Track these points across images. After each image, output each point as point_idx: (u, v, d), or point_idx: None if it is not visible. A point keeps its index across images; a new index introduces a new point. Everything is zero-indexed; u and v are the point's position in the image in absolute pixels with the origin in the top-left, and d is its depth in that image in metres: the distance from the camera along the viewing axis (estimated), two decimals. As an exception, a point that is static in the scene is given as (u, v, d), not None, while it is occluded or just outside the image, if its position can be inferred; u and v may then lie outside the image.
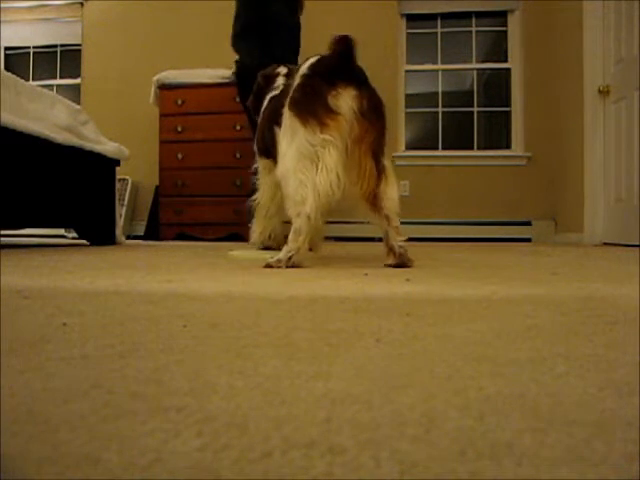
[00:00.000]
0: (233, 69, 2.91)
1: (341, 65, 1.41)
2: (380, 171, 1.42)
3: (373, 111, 1.39)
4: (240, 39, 2.74)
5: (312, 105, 1.36)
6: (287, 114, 1.43)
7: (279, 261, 1.42)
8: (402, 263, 1.47)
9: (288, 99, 1.45)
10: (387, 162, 1.47)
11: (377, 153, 1.42)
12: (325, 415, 0.32)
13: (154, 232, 4.33)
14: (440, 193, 4.55)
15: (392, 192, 1.44)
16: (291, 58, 2.98)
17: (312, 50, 4.99)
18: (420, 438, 0.29)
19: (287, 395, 0.36)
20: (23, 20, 5.30)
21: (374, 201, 1.44)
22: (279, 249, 1.55)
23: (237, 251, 2.07)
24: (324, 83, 1.37)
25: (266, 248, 2.02)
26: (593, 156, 3.78)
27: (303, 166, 1.36)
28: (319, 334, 0.57)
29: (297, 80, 1.46)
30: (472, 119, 4.81)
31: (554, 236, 4.43)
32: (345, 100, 1.36)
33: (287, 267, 1.41)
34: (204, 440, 0.28)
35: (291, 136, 1.41)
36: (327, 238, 4.22)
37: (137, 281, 1.09)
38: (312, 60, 1.49)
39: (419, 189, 4.54)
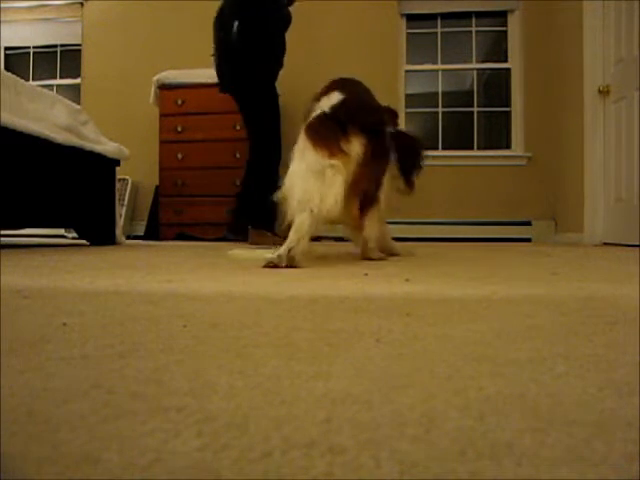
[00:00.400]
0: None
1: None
2: (368, 207, 1.67)
3: (375, 158, 1.57)
4: (229, 17, 2.80)
5: (325, 139, 1.49)
6: (302, 137, 1.54)
7: (279, 257, 1.45)
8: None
9: (306, 124, 1.57)
10: (381, 201, 1.70)
11: (368, 193, 1.64)
12: (325, 415, 0.32)
13: (154, 232, 4.33)
14: (440, 193, 4.55)
15: (372, 223, 1.71)
16: (280, 36, 2.99)
17: (313, 49, 4.98)
18: (420, 438, 0.29)
19: (287, 395, 0.36)
20: (23, 20, 5.30)
21: (358, 227, 1.74)
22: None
23: (237, 250, 2.07)
24: (339, 129, 1.51)
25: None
26: (593, 156, 3.78)
27: (314, 179, 1.46)
28: (319, 334, 0.57)
29: (317, 111, 1.59)
30: (472, 119, 4.81)
31: (554, 236, 4.43)
32: (354, 146, 1.51)
33: (287, 266, 1.43)
34: (204, 440, 0.28)
35: (301, 155, 1.52)
36: (327, 238, 4.22)
37: (137, 281, 1.09)
38: (335, 101, 1.58)
39: (419, 189, 4.51)
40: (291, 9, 3.07)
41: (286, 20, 3.02)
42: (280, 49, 3.02)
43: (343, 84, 1.68)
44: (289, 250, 1.46)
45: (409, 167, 2.03)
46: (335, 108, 1.54)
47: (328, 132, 1.51)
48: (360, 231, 1.75)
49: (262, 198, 2.95)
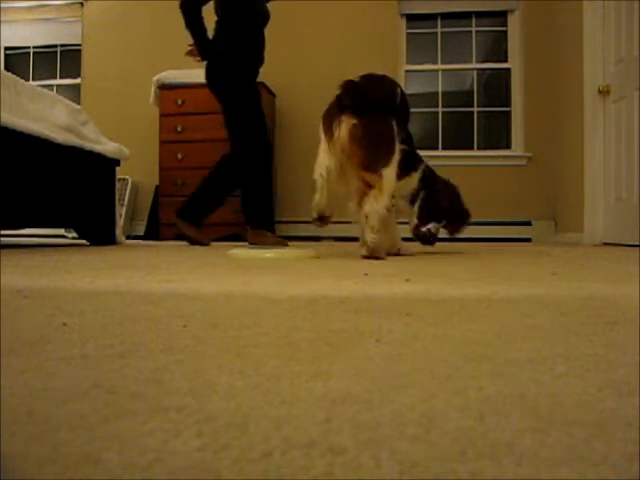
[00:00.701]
0: None
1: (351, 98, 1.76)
2: (369, 181, 1.77)
3: (366, 137, 1.72)
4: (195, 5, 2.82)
5: (327, 123, 1.79)
6: (321, 122, 1.85)
7: (314, 219, 1.86)
8: (373, 255, 1.80)
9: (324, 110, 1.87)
10: (385, 173, 1.76)
11: (367, 167, 1.76)
12: (325, 415, 0.32)
13: (154, 232, 4.33)
14: (440, 193, 4.55)
15: (373, 200, 1.77)
16: (259, 32, 2.97)
17: (313, 49, 4.97)
18: (420, 438, 0.29)
19: (287, 395, 0.36)
20: (23, 20, 5.30)
21: (360, 203, 1.82)
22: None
23: (236, 250, 2.07)
24: (336, 109, 1.76)
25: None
26: (593, 156, 3.78)
27: (326, 155, 1.80)
28: (319, 334, 0.57)
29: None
30: (472, 119, 4.81)
31: (554, 236, 4.43)
32: (342, 128, 1.72)
33: (318, 218, 1.85)
34: (204, 440, 0.28)
35: (321, 136, 1.84)
36: (327, 238, 4.22)
37: (137, 281, 1.09)
38: (345, 84, 1.82)
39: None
40: (269, 5, 3.05)
41: (265, 16, 3.00)
42: (259, 45, 3.00)
43: (365, 74, 1.90)
44: (315, 205, 1.84)
45: (428, 217, 2.14)
46: (341, 88, 1.80)
47: (329, 118, 1.78)
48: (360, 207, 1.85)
49: (260, 199, 2.95)
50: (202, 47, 2.90)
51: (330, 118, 1.77)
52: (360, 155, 1.74)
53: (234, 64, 2.90)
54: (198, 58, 3.00)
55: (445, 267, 1.57)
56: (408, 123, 2.06)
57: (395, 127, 1.82)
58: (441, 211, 2.18)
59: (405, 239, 2.27)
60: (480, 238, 4.36)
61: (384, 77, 1.95)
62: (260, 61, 3.05)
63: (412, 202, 2.14)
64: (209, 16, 2.94)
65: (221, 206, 3.14)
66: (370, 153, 1.74)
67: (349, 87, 1.79)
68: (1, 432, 0.29)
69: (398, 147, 1.82)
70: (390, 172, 1.79)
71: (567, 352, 0.49)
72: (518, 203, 4.50)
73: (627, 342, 0.54)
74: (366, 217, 1.79)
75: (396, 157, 1.80)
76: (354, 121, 1.72)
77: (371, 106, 1.75)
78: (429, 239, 2.17)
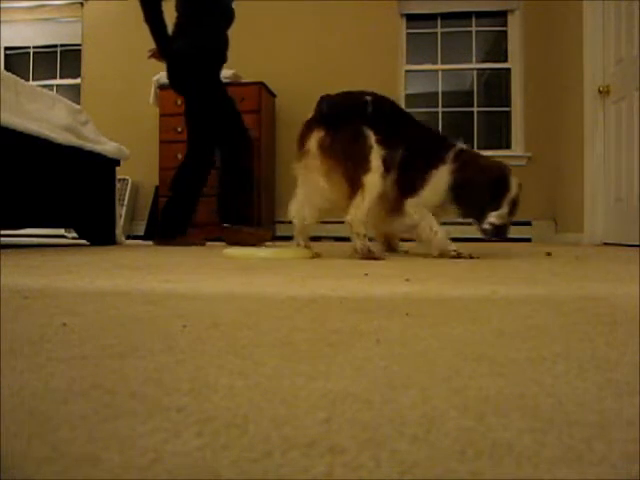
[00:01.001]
0: None
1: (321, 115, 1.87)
2: (353, 190, 1.79)
3: (334, 147, 1.78)
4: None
5: (299, 143, 1.88)
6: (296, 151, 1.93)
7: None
8: (366, 258, 1.81)
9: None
10: (366, 180, 1.78)
11: (347, 177, 1.79)
12: (325, 415, 0.32)
13: (154, 232, 4.33)
14: (440, 193, 4.55)
15: (355, 209, 1.80)
16: (221, 32, 2.92)
17: (313, 49, 4.96)
18: (420, 438, 0.29)
19: (287, 395, 0.36)
20: (23, 20, 5.30)
21: (345, 210, 1.85)
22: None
23: (231, 250, 2.07)
24: (306, 126, 1.87)
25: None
26: (593, 156, 3.78)
27: (300, 196, 1.97)
28: (319, 334, 0.57)
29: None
30: (472, 119, 4.81)
31: (554, 236, 4.43)
32: (311, 141, 1.81)
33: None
34: (204, 440, 0.28)
35: (297, 171, 1.94)
36: (326, 238, 4.22)
37: (137, 281, 1.09)
38: (318, 100, 1.93)
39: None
40: (234, 5, 3.02)
41: (228, 15, 2.96)
42: (221, 45, 2.95)
43: (337, 93, 1.96)
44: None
45: (481, 212, 1.92)
46: (315, 109, 1.90)
47: (301, 138, 1.87)
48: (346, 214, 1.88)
49: (241, 196, 2.94)
50: (161, 44, 2.84)
51: (302, 140, 1.85)
52: (333, 164, 1.78)
53: (196, 64, 2.85)
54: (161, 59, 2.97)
55: (445, 267, 1.57)
56: (405, 128, 1.98)
57: (372, 135, 1.81)
58: (486, 197, 1.90)
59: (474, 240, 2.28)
60: (480, 238, 4.35)
61: (352, 92, 1.97)
62: (222, 61, 2.99)
63: (459, 204, 1.95)
64: (169, 12, 2.91)
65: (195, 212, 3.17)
66: (343, 161, 1.77)
67: (317, 107, 1.89)
68: (1, 432, 0.29)
69: (378, 153, 1.80)
70: (371, 178, 1.77)
71: (567, 352, 0.49)
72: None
73: (627, 342, 0.54)
74: (350, 225, 1.83)
75: (376, 163, 1.78)
76: (322, 133, 1.79)
77: (336, 118, 1.81)
78: (497, 234, 1.93)
